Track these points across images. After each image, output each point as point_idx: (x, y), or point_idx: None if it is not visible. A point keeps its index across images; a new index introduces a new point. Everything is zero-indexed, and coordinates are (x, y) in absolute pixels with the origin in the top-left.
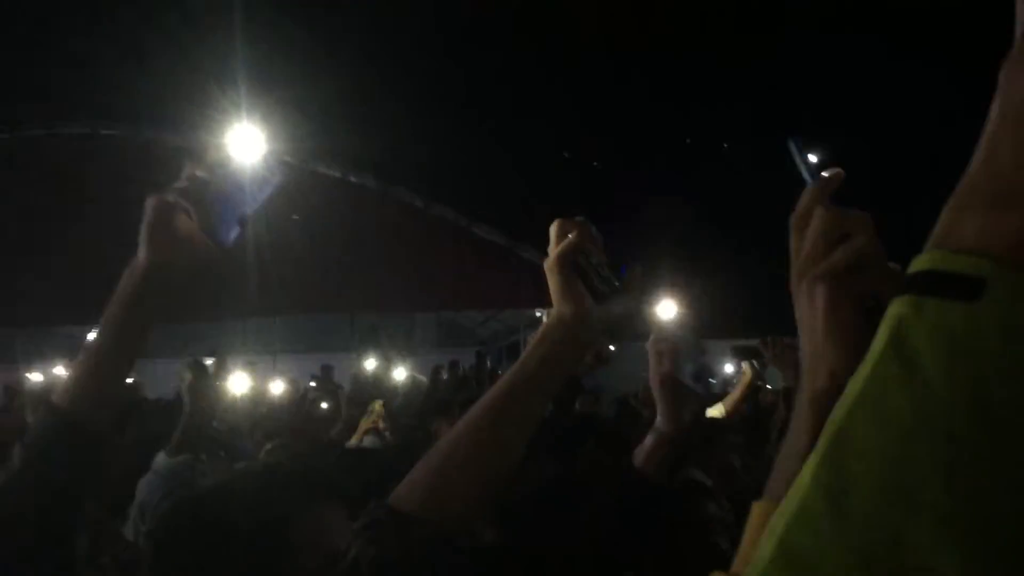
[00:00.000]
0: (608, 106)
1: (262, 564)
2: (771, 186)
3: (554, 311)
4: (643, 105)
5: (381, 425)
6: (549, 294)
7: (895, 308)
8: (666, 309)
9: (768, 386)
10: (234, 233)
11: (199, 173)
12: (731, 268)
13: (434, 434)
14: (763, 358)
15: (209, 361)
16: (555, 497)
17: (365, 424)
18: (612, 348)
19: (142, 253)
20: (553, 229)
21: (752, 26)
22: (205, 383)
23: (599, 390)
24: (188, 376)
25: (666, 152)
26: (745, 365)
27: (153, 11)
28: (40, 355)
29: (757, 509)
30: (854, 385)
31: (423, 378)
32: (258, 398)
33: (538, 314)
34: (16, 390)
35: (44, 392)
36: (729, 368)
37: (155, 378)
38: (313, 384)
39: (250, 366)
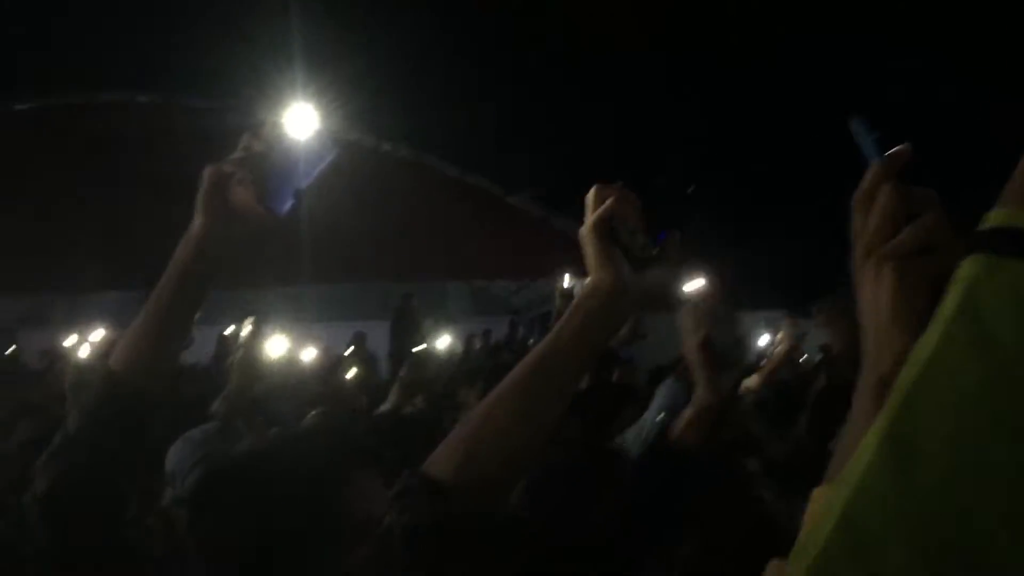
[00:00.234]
0: (646, 73)
1: (297, 530)
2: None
3: (591, 279)
4: (685, 70)
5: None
6: (583, 264)
7: (966, 269)
8: (701, 278)
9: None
10: (288, 205)
11: (256, 146)
12: (765, 238)
13: (461, 404)
14: (800, 328)
15: (248, 327)
16: (582, 470)
17: (396, 392)
18: (647, 322)
19: (198, 221)
20: (590, 195)
21: None
22: (256, 351)
23: (632, 361)
24: (242, 344)
25: (707, 122)
26: (782, 334)
27: None
28: (78, 320)
29: (818, 495)
30: (921, 351)
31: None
32: (292, 365)
33: (566, 284)
34: (55, 355)
35: (94, 358)
36: (763, 340)
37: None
38: (348, 353)
39: (283, 333)
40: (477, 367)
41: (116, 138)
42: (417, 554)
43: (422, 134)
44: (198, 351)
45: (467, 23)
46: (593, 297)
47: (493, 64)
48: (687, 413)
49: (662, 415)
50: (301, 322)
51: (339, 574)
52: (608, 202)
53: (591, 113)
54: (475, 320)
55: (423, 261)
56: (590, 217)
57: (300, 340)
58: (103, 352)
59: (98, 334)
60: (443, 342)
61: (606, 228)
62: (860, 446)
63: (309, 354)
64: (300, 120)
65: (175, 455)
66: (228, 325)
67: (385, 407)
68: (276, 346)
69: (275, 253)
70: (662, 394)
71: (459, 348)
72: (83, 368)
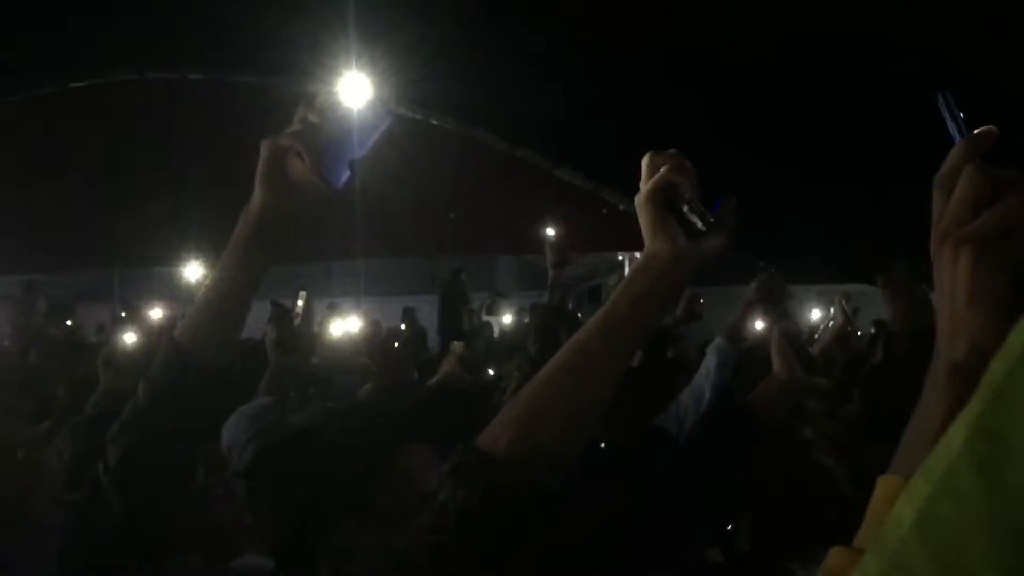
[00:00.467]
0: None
1: (348, 504)
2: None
3: (647, 248)
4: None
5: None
6: (630, 238)
7: None
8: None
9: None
10: (345, 177)
11: (311, 118)
12: (816, 214)
13: (505, 378)
14: (852, 303)
15: (300, 302)
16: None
17: (446, 367)
18: (703, 301)
19: (259, 196)
20: (644, 163)
21: None
22: (286, 328)
23: (684, 338)
24: (270, 325)
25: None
26: (837, 308)
27: None
28: (137, 295)
29: (884, 484)
30: (1017, 340)
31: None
32: (347, 339)
33: (620, 257)
34: (111, 329)
35: (160, 333)
36: (815, 315)
37: None
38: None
39: (333, 308)
40: (518, 342)
41: (169, 116)
42: (472, 528)
43: (470, 107)
44: (252, 325)
45: None
46: (649, 267)
47: (543, 37)
48: (762, 387)
49: (716, 378)
50: (351, 296)
51: (392, 547)
52: (663, 170)
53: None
54: (524, 295)
55: (471, 236)
56: (645, 185)
57: (350, 314)
58: (169, 326)
59: (156, 310)
60: (494, 316)
61: (661, 196)
62: (944, 437)
63: (357, 327)
64: (353, 90)
65: (230, 429)
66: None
67: (435, 380)
68: (330, 321)
69: (326, 227)
70: (714, 356)
71: (510, 322)
72: (150, 343)
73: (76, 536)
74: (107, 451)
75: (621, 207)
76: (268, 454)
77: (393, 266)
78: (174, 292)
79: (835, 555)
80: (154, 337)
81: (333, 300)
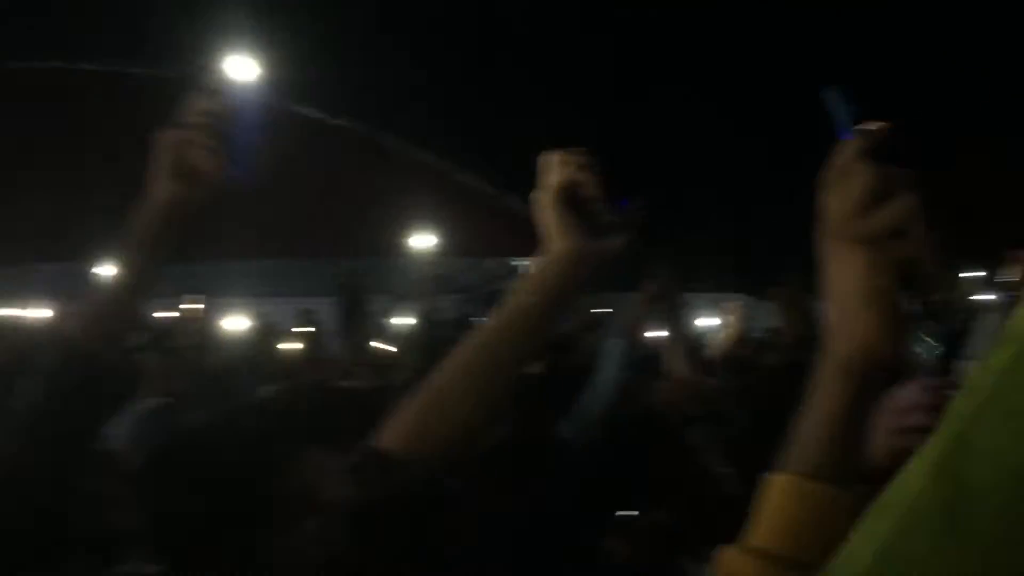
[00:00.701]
0: (604, 48)
1: (244, 506)
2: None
3: (549, 247)
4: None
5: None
6: (531, 244)
7: None
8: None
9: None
10: (245, 166)
11: (215, 107)
12: (713, 225)
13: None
14: (747, 311)
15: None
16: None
17: (347, 367)
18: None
19: (166, 188)
20: (547, 161)
21: None
22: (180, 329)
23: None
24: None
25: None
26: (730, 317)
27: None
28: (16, 293)
29: (778, 481)
30: (982, 378)
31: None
32: (247, 339)
33: (514, 263)
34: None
35: (51, 328)
36: (704, 321)
37: None
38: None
39: (228, 308)
40: (418, 343)
41: (57, 106)
42: (364, 529)
43: (373, 108)
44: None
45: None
46: (551, 265)
47: (443, 38)
48: (666, 385)
49: (615, 375)
50: (247, 297)
51: (288, 550)
52: (568, 168)
53: (545, 89)
54: (427, 298)
55: (373, 238)
56: (548, 183)
57: (244, 315)
58: (58, 322)
59: (42, 309)
60: (396, 319)
61: (565, 195)
62: (906, 471)
63: (245, 326)
64: (239, 74)
65: (120, 431)
66: (174, 298)
67: (341, 383)
68: (229, 321)
69: (221, 225)
70: (611, 358)
71: (412, 325)
72: (39, 336)
73: None
74: None
75: (523, 213)
76: (159, 456)
77: (292, 267)
78: (54, 289)
79: (729, 558)
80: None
81: (227, 300)
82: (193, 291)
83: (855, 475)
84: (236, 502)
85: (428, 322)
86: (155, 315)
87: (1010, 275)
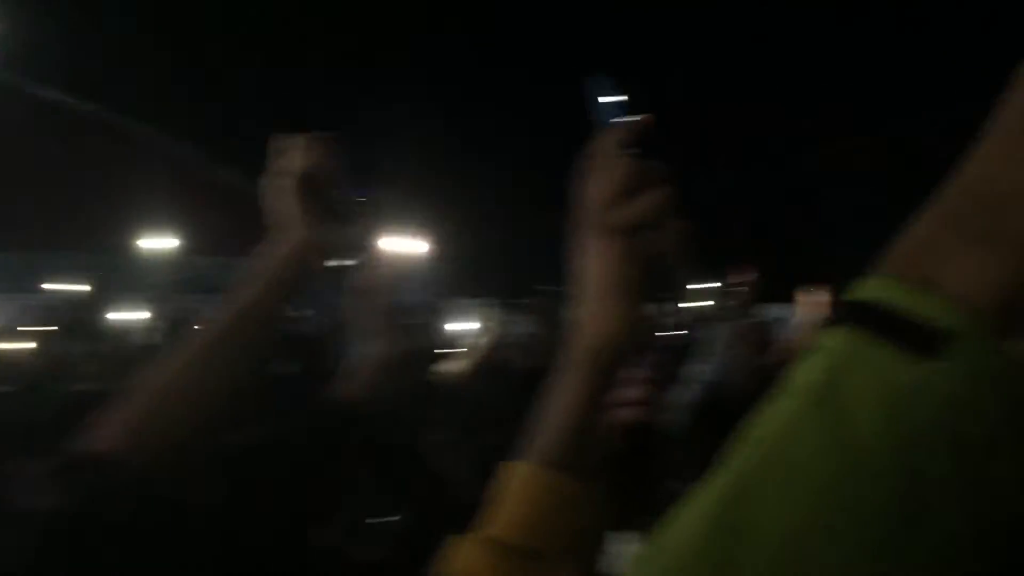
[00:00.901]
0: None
1: None
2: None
3: (279, 233)
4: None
5: None
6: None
7: (833, 340)
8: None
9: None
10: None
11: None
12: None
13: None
14: (504, 316)
15: None
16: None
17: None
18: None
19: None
20: (286, 144)
21: None
22: None
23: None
24: None
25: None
26: (488, 319)
27: None
28: None
29: (519, 472)
30: (770, 424)
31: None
32: None
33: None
34: None
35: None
36: (460, 325)
37: None
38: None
39: None
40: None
41: None
42: (58, 539)
43: (119, 95)
44: None
45: None
46: (283, 256)
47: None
48: (362, 369)
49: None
50: None
51: None
52: (312, 153)
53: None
54: (178, 298)
55: (116, 230)
56: (290, 168)
57: None
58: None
59: None
60: (139, 317)
61: (302, 180)
62: (682, 515)
63: None
64: None
65: None
66: None
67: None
68: None
69: None
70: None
71: (158, 324)
72: None
73: None
74: None
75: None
76: None
77: (23, 259)
78: None
79: (465, 549)
80: None
81: None
82: None
83: (595, 465)
84: None
85: (167, 322)
86: None
87: (738, 288)
